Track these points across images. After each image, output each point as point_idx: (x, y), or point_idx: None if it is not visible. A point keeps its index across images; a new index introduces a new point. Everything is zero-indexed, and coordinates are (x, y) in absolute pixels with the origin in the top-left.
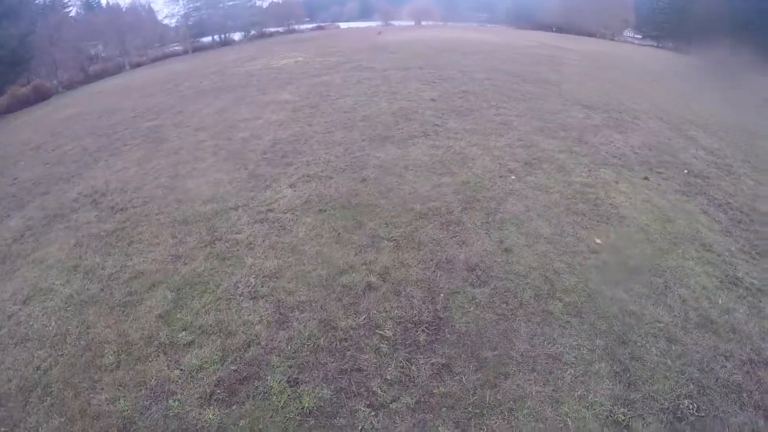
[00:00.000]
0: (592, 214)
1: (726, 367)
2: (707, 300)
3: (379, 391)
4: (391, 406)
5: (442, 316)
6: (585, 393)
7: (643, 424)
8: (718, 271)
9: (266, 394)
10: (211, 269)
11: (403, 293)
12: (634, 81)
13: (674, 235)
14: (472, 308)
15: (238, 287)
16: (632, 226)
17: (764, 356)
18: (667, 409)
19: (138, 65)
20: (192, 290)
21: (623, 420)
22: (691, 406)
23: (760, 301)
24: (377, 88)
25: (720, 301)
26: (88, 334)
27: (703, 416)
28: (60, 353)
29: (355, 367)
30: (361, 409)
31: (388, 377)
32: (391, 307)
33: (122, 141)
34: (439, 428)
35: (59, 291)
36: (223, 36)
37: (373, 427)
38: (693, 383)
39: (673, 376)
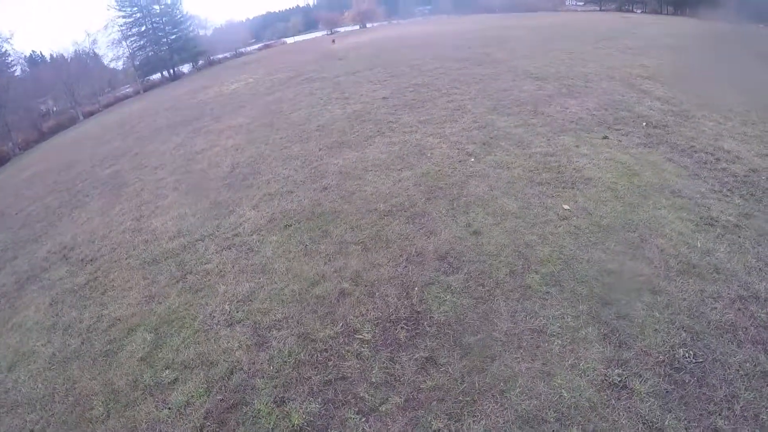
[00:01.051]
0: (557, 181)
1: (716, 308)
2: (686, 245)
3: (367, 396)
4: (380, 408)
5: (419, 309)
6: (576, 361)
7: (640, 382)
8: (692, 215)
9: (255, 418)
10: (186, 303)
11: (378, 294)
12: (581, 46)
13: (642, 187)
14: (448, 297)
15: (214, 316)
16: (599, 186)
17: (753, 290)
18: (663, 361)
19: (91, 114)
20: (170, 328)
21: (619, 381)
22: (687, 355)
23: (740, 237)
24: (329, 96)
25: (699, 244)
26: (75, 389)
27: (701, 362)
28: (50, 413)
29: (339, 376)
30: (351, 417)
31: (374, 380)
32: (367, 310)
33: (84, 193)
34: (432, 423)
35: (41, 352)
36: (172, 70)
37: None
38: (685, 331)
39: (663, 328)
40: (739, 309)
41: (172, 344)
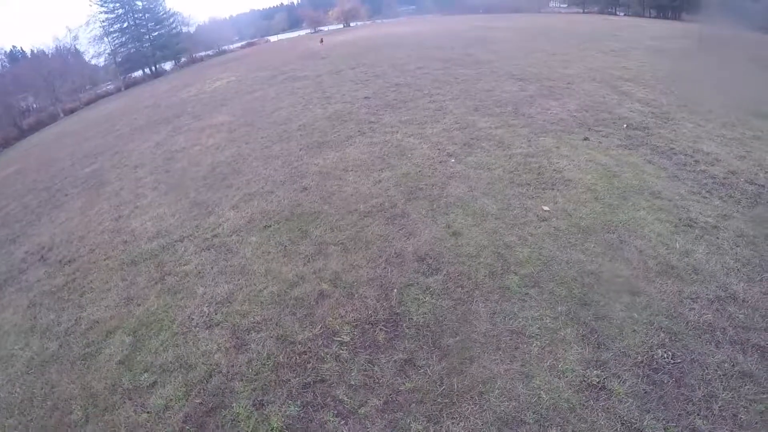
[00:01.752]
0: (537, 182)
1: (694, 309)
2: (664, 246)
3: (346, 399)
4: (359, 411)
5: (398, 311)
6: (554, 362)
7: (619, 383)
8: (671, 216)
9: (234, 422)
10: (165, 305)
11: (357, 295)
12: (564, 48)
13: (622, 189)
14: (427, 298)
15: (193, 319)
16: (579, 187)
17: (731, 291)
18: (641, 362)
19: (72, 111)
20: (148, 330)
21: (598, 382)
22: (665, 355)
23: (718, 238)
24: (311, 95)
25: (677, 245)
26: (53, 393)
27: (679, 362)
28: (29, 418)
29: (318, 378)
30: (330, 420)
31: (353, 383)
32: (346, 312)
33: (63, 192)
34: (411, 425)
35: (19, 355)
36: (154, 68)
37: None
38: (663, 331)
39: (641, 329)
40: (717, 310)
41: (150, 347)
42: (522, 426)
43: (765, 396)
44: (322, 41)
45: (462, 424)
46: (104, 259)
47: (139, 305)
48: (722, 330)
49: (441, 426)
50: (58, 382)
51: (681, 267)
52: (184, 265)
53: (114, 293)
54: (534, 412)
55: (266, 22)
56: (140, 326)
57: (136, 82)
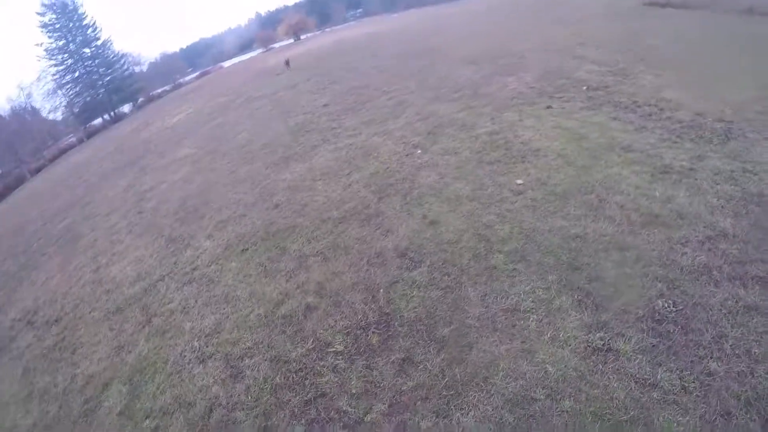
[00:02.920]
0: (506, 158)
1: (686, 253)
2: (644, 197)
3: (350, 409)
4: (366, 419)
5: (387, 311)
6: (555, 333)
7: (624, 341)
8: (646, 167)
9: None
10: (155, 348)
11: (343, 302)
12: (514, 23)
13: (592, 149)
14: (415, 292)
15: (185, 356)
16: (549, 155)
17: (720, 228)
18: (644, 316)
19: (38, 170)
20: (143, 376)
21: (603, 344)
22: (666, 305)
23: (696, 179)
24: (270, 113)
25: (657, 194)
26: None
27: (682, 309)
28: None
29: (318, 393)
30: None
31: (354, 391)
32: (336, 321)
33: (39, 252)
34: (420, 424)
35: (21, 424)
36: (112, 112)
37: None
38: (660, 281)
39: (637, 283)
40: (710, 249)
41: (148, 392)
42: (534, 404)
43: None
44: (288, 64)
45: (471, 413)
46: (90, 312)
47: (130, 352)
48: (718, 269)
49: (451, 419)
50: None
51: (665, 214)
52: (168, 303)
53: (104, 344)
54: (543, 388)
55: (216, 49)
56: (134, 373)
57: (97, 130)
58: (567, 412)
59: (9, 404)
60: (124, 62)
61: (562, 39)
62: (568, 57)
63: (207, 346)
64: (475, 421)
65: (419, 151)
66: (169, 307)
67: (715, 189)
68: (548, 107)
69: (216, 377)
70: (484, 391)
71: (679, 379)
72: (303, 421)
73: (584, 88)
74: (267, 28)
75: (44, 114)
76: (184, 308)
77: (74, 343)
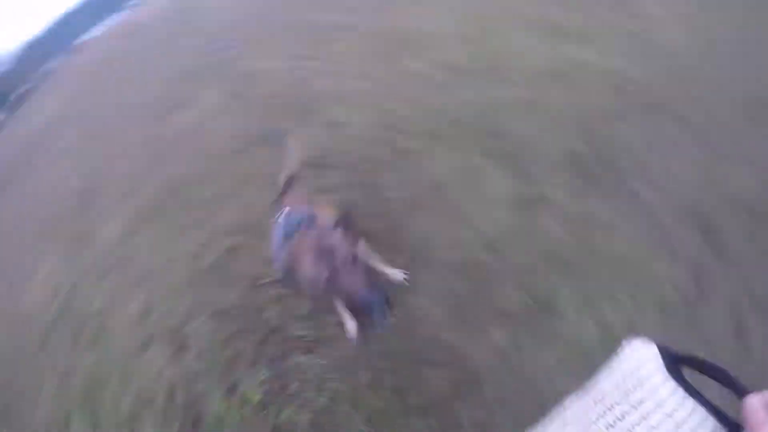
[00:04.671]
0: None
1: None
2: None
3: (304, 332)
4: (322, 335)
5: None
6: (484, 197)
7: (552, 188)
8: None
9: (219, 420)
10: (96, 357)
11: (266, 232)
12: None
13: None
14: (334, 196)
15: (127, 351)
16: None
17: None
18: (563, 161)
19: None
20: (96, 393)
21: (534, 196)
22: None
23: None
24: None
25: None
26: None
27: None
28: None
29: (269, 329)
30: (302, 362)
31: (302, 313)
32: (263, 251)
33: None
34: None
35: None
36: None
37: None
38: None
39: (553, 135)
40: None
41: (107, 408)
42: (482, 266)
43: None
44: None
45: (422, 294)
46: (22, 358)
47: (75, 375)
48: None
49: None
50: None
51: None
52: (89, 306)
53: (48, 381)
54: (485, 248)
55: None
56: (87, 394)
57: None
58: (518, 264)
59: None
60: None
61: None
62: None
63: (144, 331)
64: (430, 300)
65: None
66: (94, 309)
67: None
68: None
69: (164, 358)
70: (430, 269)
71: (610, 209)
72: (263, 362)
73: None
74: None
75: None
76: (110, 302)
77: (20, 397)
